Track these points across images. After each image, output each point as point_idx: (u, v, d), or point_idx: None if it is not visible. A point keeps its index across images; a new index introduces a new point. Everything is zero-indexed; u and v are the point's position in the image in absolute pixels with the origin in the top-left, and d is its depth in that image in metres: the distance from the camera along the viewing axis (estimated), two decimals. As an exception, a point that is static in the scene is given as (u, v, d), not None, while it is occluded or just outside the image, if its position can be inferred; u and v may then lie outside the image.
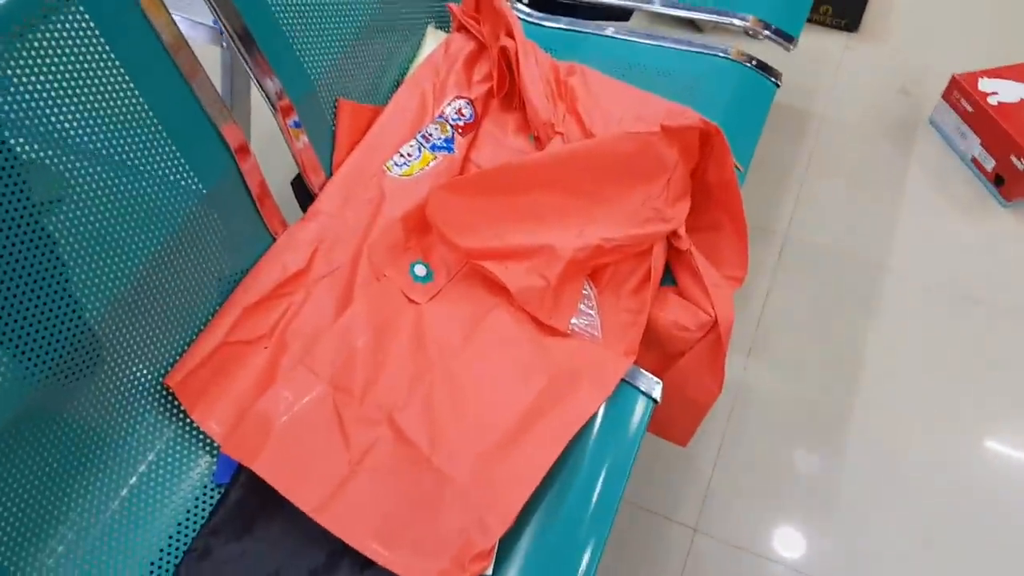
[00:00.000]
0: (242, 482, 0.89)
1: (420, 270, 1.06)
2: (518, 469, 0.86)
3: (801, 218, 1.79)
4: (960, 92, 1.86)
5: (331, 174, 1.13)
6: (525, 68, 1.18)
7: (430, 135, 1.15)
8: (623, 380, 0.96)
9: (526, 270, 1.00)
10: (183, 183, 0.91)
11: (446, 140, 1.15)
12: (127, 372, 0.89)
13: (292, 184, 1.11)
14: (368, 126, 1.17)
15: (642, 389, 0.98)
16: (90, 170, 0.81)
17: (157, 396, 0.92)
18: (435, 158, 1.14)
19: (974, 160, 1.86)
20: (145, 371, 0.91)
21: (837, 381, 1.52)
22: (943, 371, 1.53)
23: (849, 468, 1.40)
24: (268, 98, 1.02)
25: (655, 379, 0.99)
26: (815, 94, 2.06)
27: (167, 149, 0.88)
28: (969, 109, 1.84)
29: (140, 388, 0.90)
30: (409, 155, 1.13)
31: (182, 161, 0.90)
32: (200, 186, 0.93)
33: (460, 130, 1.17)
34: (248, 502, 0.89)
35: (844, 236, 1.75)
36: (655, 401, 0.98)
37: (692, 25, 2.09)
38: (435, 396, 0.92)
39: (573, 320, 1.00)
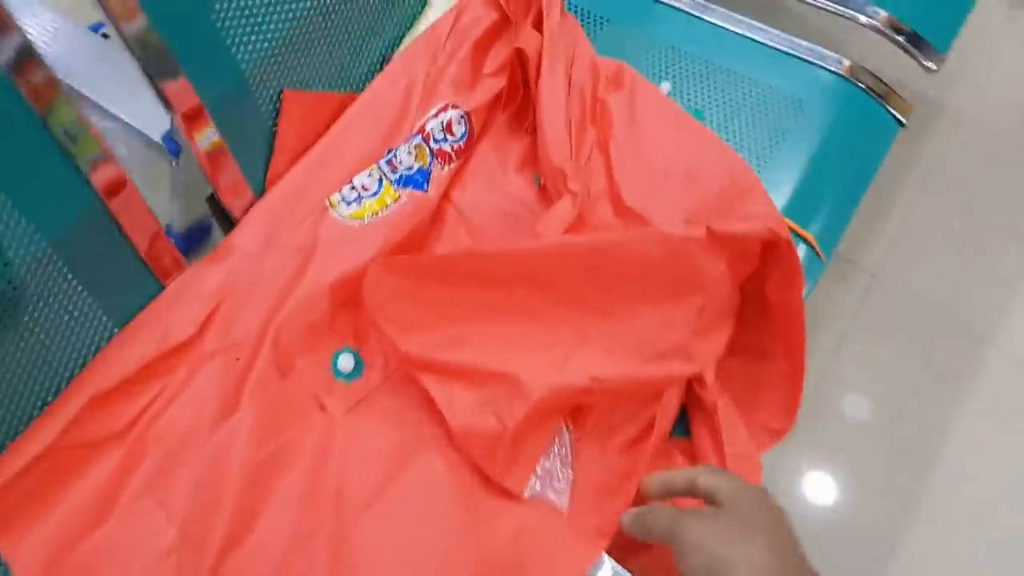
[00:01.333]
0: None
1: (346, 362, 0.78)
2: None
3: (898, 253, 1.43)
4: None
5: (263, 192, 0.84)
6: (548, 82, 0.85)
7: (399, 161, 0.84)
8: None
9: (478, 402, 0.72)
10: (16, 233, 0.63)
11: (420, 172, 0.84)
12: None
13: (208, 203, 0.83)
14: (327, 125, 0.87)
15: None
16: None
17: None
18: (399, 197, 0.83)
19: None
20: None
21: (903, 475, 1.22)
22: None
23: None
24: (162, 98, 0.72)
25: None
26: (954, 78, 1.62)
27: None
28: None
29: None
30: (364, 188, 0.83)
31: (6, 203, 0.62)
32: (38, 237, 0.65)
33: (443, 157, 0.86)
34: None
35: (947, 286, 1.39)
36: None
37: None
38: (314, 576, 0.67)
39: (532, 478, 0.72)
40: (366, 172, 0.83)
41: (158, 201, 0.90)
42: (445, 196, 0.86)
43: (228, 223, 0.83)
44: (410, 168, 0.83)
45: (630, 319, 0.74)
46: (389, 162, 0.84)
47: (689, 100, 0.98)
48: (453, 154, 0.86)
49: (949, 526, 1.19)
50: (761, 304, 0.78)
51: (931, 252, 1.43)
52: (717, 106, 0.98)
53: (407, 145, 0.84)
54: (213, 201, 0.81)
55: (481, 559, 0.68)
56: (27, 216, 0.63)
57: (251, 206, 0.83)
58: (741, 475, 0.67)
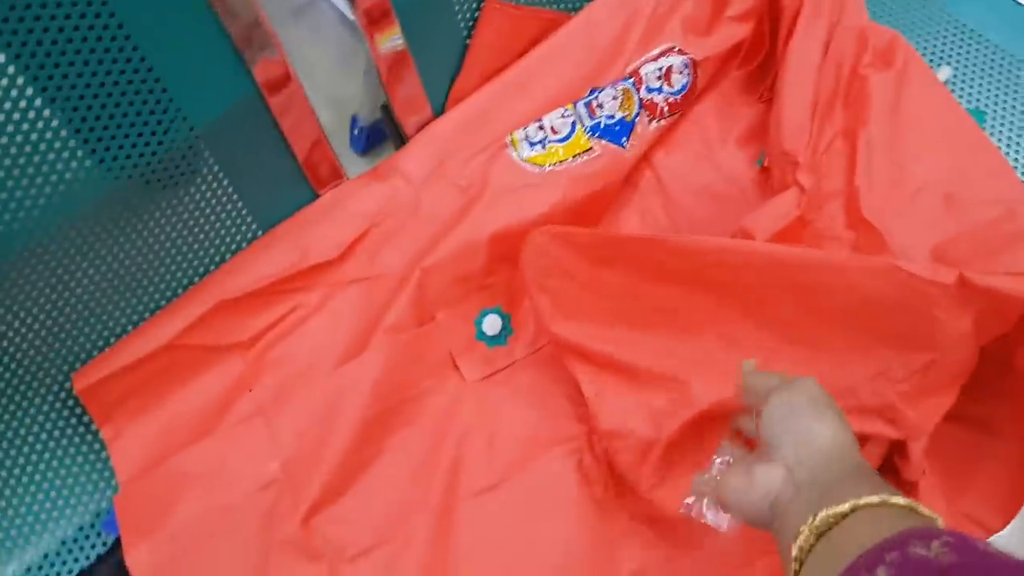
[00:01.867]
0: (120, 558, 0.64)
1: (493, 324, 0.69)
2: None
3: None
4: None
5: (442, 112, 0.74)
6: (800, 43, 0.69)
7: (601, 105, 0.71)
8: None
9: (634, 404, 0.61)
10: (159, 110, 0.57)
11: (621, 123, 0.71)
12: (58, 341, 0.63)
13: (382, 111, 0.74)
14: (528, 46, 0.75)
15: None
16: None
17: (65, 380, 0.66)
18: (591, 148, 0.70)
19: None
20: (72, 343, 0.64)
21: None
22: None
23: None
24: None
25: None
26: None
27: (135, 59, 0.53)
28: None
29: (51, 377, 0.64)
30: (554, 130, 0.70)
31: (156, 78, 0.55)
32: (187, 122, 0.58)
33: (653, 110, 0.72)
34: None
35: None
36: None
37: None
38: (408, 558, 0.61)
39: (689, 500, 0.61)
40: (559, 111, 0.71)
41: (348, 84, 0.82)
42: (645, 157, 0.74)
43: (401, 139, 0.74)
44: (611, 116, 0.71)
45: (837, 360, 0.60)
46: (588, 104, 0.71)
47: (971, 96, 0.80)
48: (666, 108, 0.73)
49: None
50: (1002, 369, 0.62)
51: None
52: (1008, 110, 0.79)
53: (614, 88, 0.71)
54: (387, 112, 0.72)
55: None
56: (177, 97, 0.56)
57: (427, 125, 0.73)
58: None
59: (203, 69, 0.56)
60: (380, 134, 0.81)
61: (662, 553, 0.61)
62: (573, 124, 0.71)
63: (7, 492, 0.64)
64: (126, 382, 0.65)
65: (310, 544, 0.61)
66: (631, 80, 0.72)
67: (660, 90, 0.72)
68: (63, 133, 0.52)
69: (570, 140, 0.71)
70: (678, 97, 0.73)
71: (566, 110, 0.71)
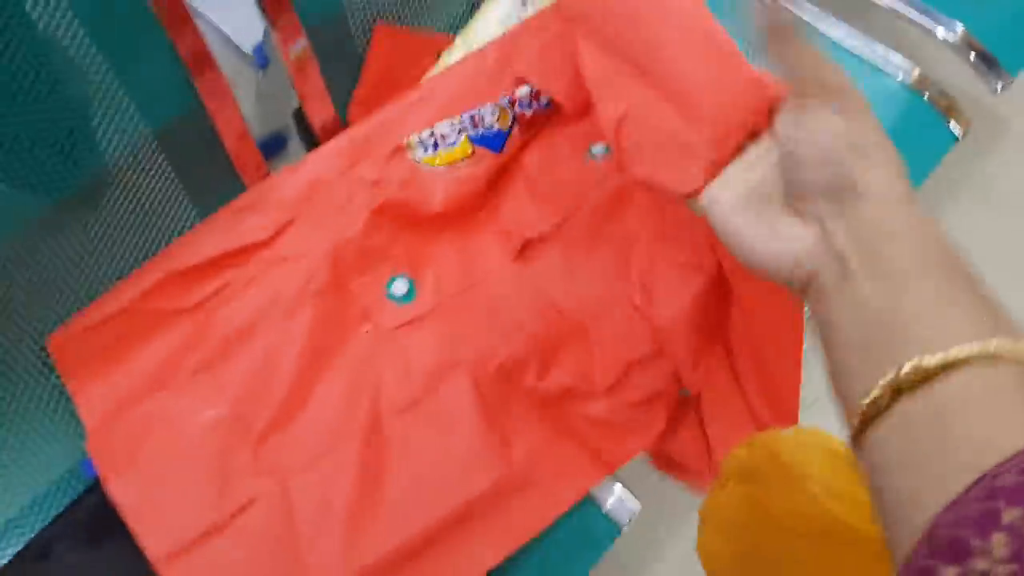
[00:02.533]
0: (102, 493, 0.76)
1: (400, 287, 0.85)
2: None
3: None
4: None
5: (345, 120, 0.90)
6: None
7: (481, 119, 0.88)
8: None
9: None
10: (122, 115, 0.71)
11: (499, 134, 0.88)
12: (20, 310, 0.74)
13: (294, 117, 0.89)
14: (415, 64, 0.92)
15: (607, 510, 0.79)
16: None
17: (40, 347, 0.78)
18: (470, 154, 0.87)
19: None
20: (41, 314, 0.76)
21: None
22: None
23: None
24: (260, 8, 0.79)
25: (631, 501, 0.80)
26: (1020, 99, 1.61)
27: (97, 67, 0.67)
28: None
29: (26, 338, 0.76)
30: (443, 137, 0.87)
31: (119, 93, 0.69)
32: (143, 125, 0.73)
33: (524, 122, 0.88)
34: (105, 512, 0.75)
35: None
36: (617, 531, 0.79)
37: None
38: (346, 467, 0.75)
39: None
40: (448, 121, 0.87)
41: (241, 108, 0.96)
42: (513, 157, 0.89)
43: (309, 137, 0.89)
44: (490, 129, 0.88)
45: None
46: (472, 117, 0.87)
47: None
48: (531, 120, 0.89)
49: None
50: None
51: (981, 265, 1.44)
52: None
53: (493, 106, 0.88)
54: (299, 115, 0.87)
55: (498, 472, 0.75)
56: (136, 104, 0.70)
57: (333, 122, 0.89)
58: None
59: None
60: (277, 143, 0.95)
61: (545, 436, 0.78)
62: (460, 132, 0.87)
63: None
64: (89, 341, 0.77)
65: (262, 465, 0.75)
66: (507, 99, 0.88)
67: (530, 105, 0.88)
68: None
69: (456, 146, 0.87)
70: (544, 109, 0.89)
71: (454, 120, 0.87)
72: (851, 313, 0.35)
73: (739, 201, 0.44)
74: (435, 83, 0.89)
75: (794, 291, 0.40)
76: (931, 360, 0.30)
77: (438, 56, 0.94)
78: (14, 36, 0.59)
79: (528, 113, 0.87)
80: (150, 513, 0.72)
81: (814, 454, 0.54)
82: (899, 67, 1.04)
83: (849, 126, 0.39)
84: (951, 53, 1.08)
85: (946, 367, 0.30)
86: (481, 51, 0.90)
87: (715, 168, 0.49)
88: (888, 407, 0.31)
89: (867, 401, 0.31)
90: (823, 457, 0.54)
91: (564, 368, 0.80)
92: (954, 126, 1.03)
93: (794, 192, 0.41)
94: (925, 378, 0.30)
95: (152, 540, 0.71)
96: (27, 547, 0.75)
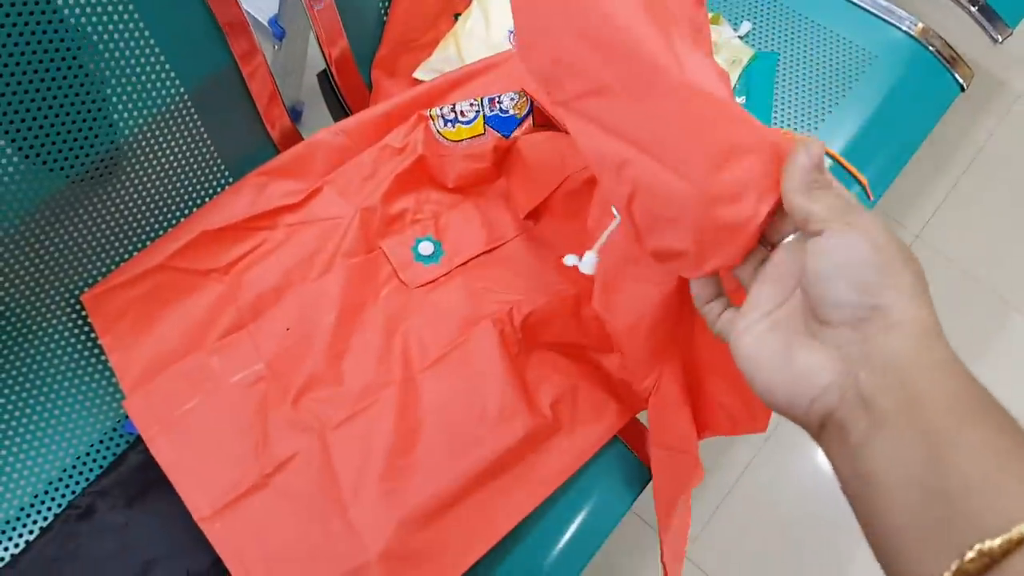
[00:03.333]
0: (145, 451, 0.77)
1: (426, 248, 0.86)
2: (441, 548, 0.72)
3: (941, 223, 1.48)
4: None
5: (369, 82, 0.90)
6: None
7: (500, 101, 0.89)
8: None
9: None
10: (156, 76, 0.72)
11: (512, 119, 0.89)
12: (57, 272, 0.75)
13: (320, 80, 0.90)
14: (430, 24, 0.93)
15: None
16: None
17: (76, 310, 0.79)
18: (483, 133, 0.88)
19: None
20: (76, 277, 0.77)
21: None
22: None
23: None
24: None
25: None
26: (1018, 59, 1.65)
27: (136, 30, 0.68)
28: None
29: (61, 300, 0.77)
30: (462, 114, 0.88)
31: (156, 51, 0.70)
32: (179, 85, 0.73)
33: (540, 115, 0.90)
34: (148, 469, 0.76)
35: (983, 256, 1.45)
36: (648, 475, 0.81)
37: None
38: (382, 421, 0.76)
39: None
40: (469, 101, 0.89)
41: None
42: (513, 141, 0.90)
43: (335, 100, 0.90)
44: (507, 112, 0.89)
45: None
46: (491, 101, 0.89)
47: (767, 43, 1.04)
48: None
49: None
50: None
51: (974, 223, 1.48)
52: (794, 50, 1.03)
53: (514, 93, 0.89)
54: (325, 79, 0.88)
55: (529, 422, 0.77)
56: (171, 63, 0.71)
57: (358, 85, 0.90)
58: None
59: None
60: (292, 115, 0.96)
61: (570, 383, 0.80)
62: (477, 112, 0.88)
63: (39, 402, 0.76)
64: (124, 298, 0.78)
65: (301, 420, 0.76)
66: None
67: None
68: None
69: (471, 124, 0.88)
70: None
71: (475, 100, 0.89)
72: (895, 470, 0.32)
73: (762, 327, 0.40)
74: (479, 68, 0.92)
75: (809, 431, 0.37)
76: (993, 543, 0.28)
77: (455, 18, 0.95)
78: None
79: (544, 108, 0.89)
80: (193, 471, 0.73)
81: None
82: (904, 19, 1.06)
83: (875, 244, 0.36)
84: (953, 5, 1.10)
85: (1010, 548, 0.28)
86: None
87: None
88: None
89: None
90: None
91: (585, 324, 0.81)
92: (958, 76, 1.04)
93: (819, 318, 0.37)
94: (991, 561, 0.28)
95: (196, 498, 0.72)
96: (69, 506, 0.76)
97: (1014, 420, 0.32)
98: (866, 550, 0.34)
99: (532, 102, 0.88)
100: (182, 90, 0.73)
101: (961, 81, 1.04)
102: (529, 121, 0.89)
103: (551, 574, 0.75)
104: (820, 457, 1.17)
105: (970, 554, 0.28)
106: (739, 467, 1.27)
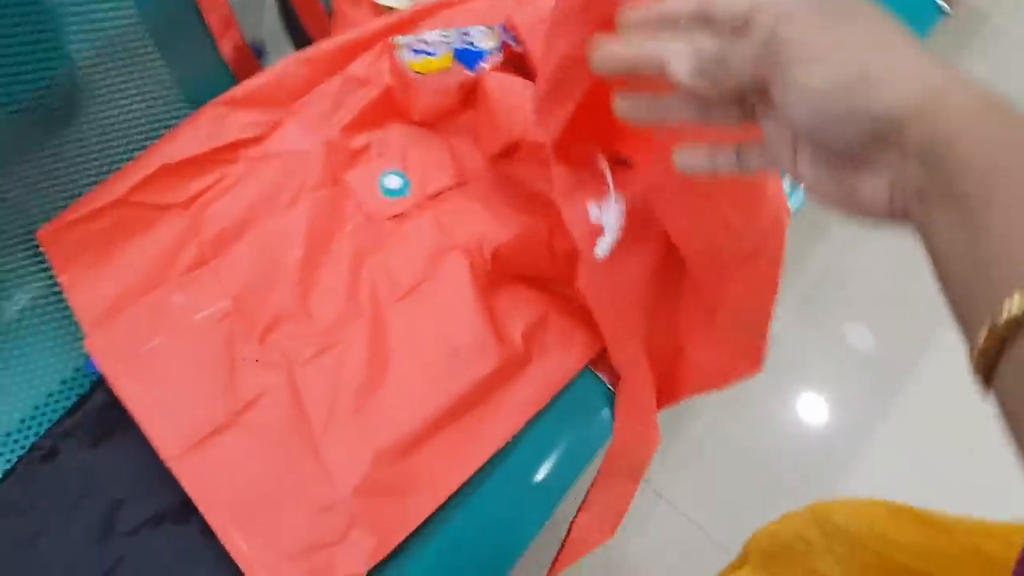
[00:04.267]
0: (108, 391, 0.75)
1: (393, 181, 0.84)
2: (415, 481, 0.71)
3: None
4: None
5: (329, 8, 0.87)
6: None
7: (468, 34, 0.86)
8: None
9: None
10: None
11: (476, 53, 0.85)
12: (12, 208, 0.73)
13: (280, 12, 0.86)
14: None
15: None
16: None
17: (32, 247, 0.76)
18: (447, 68, 0.85)
19: None
20: (30, 214, 0.74)
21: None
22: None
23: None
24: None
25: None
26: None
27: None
28: None
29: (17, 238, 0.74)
30: (427, 44, 0.84)
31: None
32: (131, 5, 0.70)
33: (508, 51, 0.87)
34: (114, 409, 0.74)
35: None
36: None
37: None
38: (351, 356, 0.75)
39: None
40: (439, 31, 0.86)
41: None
42: (478, 80, 0.87)
43: (298, 32, 0.86)
44: (476, 46, 0.85)
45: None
46: (464, 34, 0.86)
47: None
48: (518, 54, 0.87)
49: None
50: None
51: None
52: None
53: (487, 27, 0.86)
54: (286, 9, 0.84)
55: (500, 354, 0.76)
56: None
57: (319, 15, 0.86)
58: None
59: None
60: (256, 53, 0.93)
61: (540, 313, 0.79)
62: (446, 44, 0.85)
63: None
64: (81, 234, 0.75)
65: (268, 357, 0.74)
66: (503, 26, 0.87)
67: (518, 44, 0.86)
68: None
69: (437, 56, 0.85)
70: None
71: (447, 32, 0.85)
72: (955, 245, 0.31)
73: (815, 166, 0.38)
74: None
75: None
76: None
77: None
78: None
79: (517, 48, 0.86)
80: (158, 411, 0.71)
81: (872, 513, 0.60)
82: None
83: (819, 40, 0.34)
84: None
85: None
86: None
87: None
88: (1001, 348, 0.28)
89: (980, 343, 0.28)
90: (885, 515, 0.60)
91: (557, 257, 0.79)
92: (941, 2, 1.02)
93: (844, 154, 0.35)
94: None
95: (163, 437, 0.70)
96: (33, 448, 0.74)
97: None
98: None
99: (504, 40, 0.85)
100: (134, 11, 0.69)
101: (943, 6, 1.02)
102: (499, 56, 0.86)
103: (529, 505, 0.74)
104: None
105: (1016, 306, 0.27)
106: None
